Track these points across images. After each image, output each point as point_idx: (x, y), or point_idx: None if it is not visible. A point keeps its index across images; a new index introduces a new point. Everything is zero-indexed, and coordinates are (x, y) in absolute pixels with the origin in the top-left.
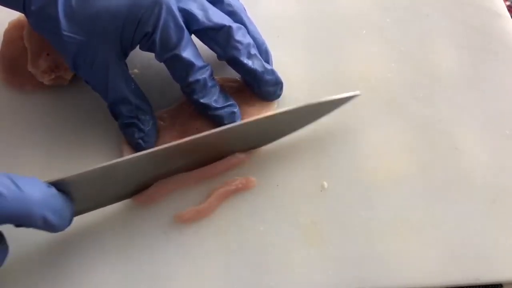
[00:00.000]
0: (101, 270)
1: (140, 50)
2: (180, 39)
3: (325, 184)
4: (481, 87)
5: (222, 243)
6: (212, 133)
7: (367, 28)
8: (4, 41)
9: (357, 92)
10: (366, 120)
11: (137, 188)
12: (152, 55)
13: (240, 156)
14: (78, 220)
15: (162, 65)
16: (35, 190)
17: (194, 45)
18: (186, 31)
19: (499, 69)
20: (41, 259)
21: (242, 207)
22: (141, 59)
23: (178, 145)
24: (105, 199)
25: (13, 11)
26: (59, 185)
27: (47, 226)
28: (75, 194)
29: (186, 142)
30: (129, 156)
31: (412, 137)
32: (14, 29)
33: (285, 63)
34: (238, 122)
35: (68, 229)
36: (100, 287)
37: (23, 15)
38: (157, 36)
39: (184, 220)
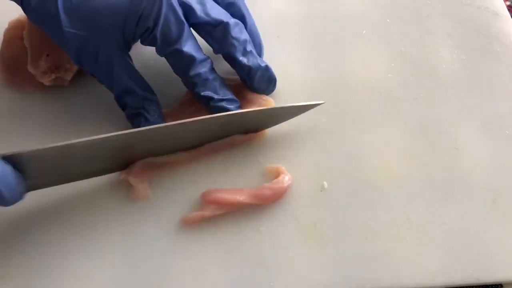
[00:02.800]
0: (101, 270)
1: (140, 51)
2: (180, 33)
3: (325, 184)
4: (481, 87)
5: (222, 243)
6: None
7: (367, 28)
8: (4, 41)
9: (320, 102)
10: (366, 120)
11: (121, 164)
12: (151, 56)
13: (243, 137)
14: (77, 220)
15: (162, 65)
16: None
17: (194, 39)
18: (186, 25)
19: (499, 69)
20: (41, 260)
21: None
22: (141, 60)
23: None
24: (74, 175)
25: (13, 12)
26: (13, 159)
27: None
28: (30, 170)
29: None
30: (95, 137)
31: (412, 137)
32: (14, 29)
33: (285, 62)
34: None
35: (68, 230)
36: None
37: (23, 15)
38: (158, 31)
39: (189, 223)
